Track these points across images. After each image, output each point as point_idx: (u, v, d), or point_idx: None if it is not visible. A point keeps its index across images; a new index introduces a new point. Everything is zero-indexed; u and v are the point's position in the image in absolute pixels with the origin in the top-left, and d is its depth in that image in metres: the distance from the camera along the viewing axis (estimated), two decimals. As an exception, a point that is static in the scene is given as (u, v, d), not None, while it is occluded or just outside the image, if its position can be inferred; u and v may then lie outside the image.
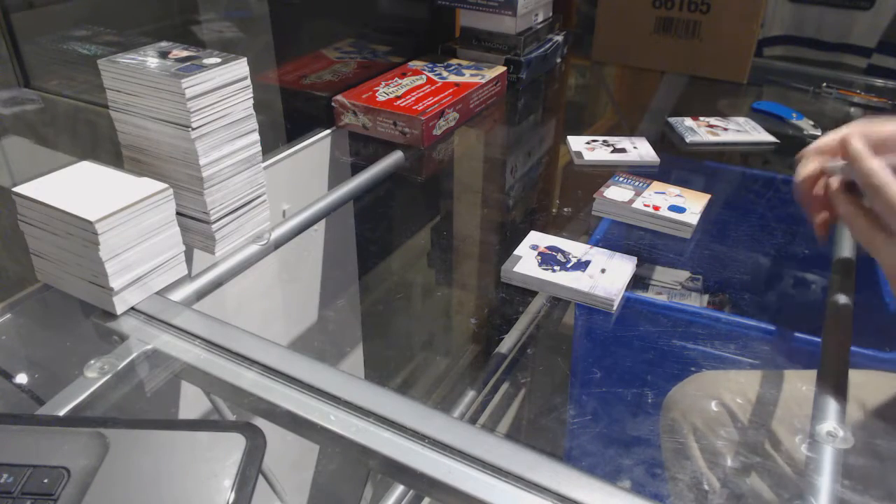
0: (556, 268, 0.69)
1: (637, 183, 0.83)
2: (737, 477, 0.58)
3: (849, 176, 0.55)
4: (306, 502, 1.02)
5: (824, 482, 0.46)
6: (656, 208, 0.79)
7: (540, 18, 1.15)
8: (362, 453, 0.45)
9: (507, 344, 0.82)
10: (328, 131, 0.95)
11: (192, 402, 0.66)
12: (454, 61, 1.09)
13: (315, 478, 1.02)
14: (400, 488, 0.70)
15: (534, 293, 0.84)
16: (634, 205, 0.77)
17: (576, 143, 0.98)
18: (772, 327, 0.81)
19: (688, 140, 0.98)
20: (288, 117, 0.92)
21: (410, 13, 1.17)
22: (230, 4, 0.86)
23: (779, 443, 0.62)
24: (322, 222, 0.91)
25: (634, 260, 0.71)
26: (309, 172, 0.93)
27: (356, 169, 0.87)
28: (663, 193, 0.81)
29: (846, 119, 1.12)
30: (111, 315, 0.56)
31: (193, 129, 0.58)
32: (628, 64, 1.27)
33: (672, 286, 1.16)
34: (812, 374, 0.57)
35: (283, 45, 0.90)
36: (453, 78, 1.01)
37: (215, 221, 0.63)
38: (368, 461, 0.45)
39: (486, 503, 0.41)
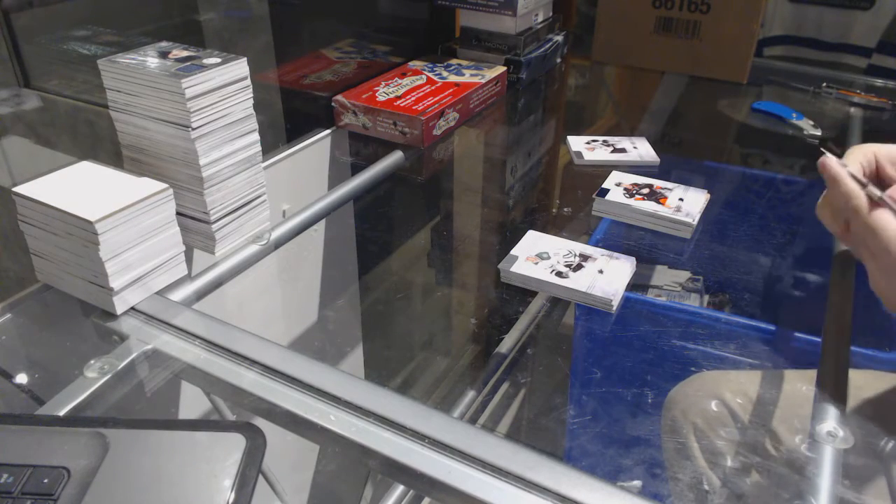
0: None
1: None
2: (737, 477, 0.58)
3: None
4: (306, 502, 1.02)
5: (824, 482, 0.46)
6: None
7: (540, 18, 1.15)
8: (362, 453, 0.45)
9: (507, 344, 0.83)
10: (328, 131, 0.95)
11: (192, 402, 0.66)
12: (454, 61, 1.09)
13: (315, 478, 1.02)
14: (400, 488, 0.70)
15: (534, 293, 0.84)
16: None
17: (576, 143, 0.98)
18: (772, 327, 0.81)
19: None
20: (288, 117, 0.92)
21: (410, 13, 1.17)
22: (230, 4, 0.86)
23: (779, 443, 0.62)
24: (322, 222, 0.91)
25: (634, 260, 0.71)
26: (309, 172, 0.93)
27: (356, 169, 0.87)
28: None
29: (846, 119, 1.12)
30: (111, 315, 0.56)
31: (193, 129, 0.58)
32: (628, 64, 1.27)
33: (672, 286, 1.16)
34: (812, 374, 0.57)
35: (283, 45, 0.90)
36: (453, 78, 1.01)
37: (215, 221, 0.63)
38: (368, 461, 0.45)
39: (486, 503, 0.41)
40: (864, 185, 0.52)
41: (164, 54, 0.60)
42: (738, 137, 1.18)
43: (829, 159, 0.54)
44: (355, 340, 1.13)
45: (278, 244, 0.70)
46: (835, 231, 0.57)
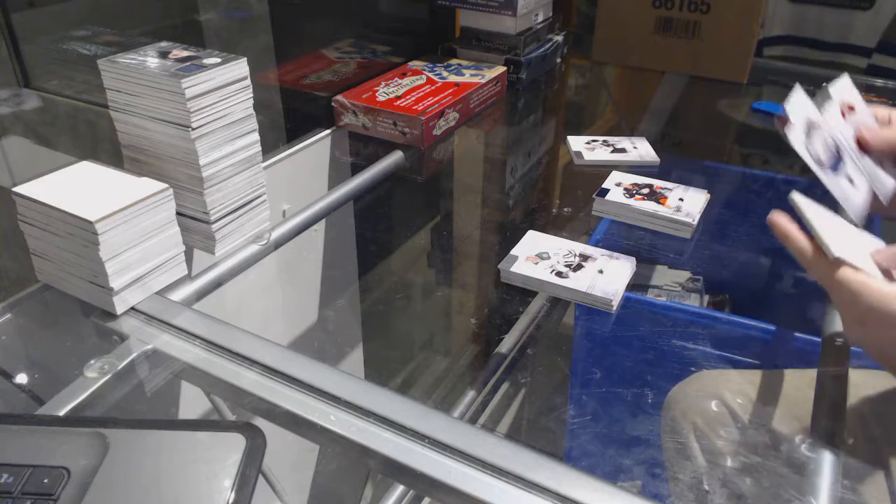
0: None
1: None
2: (737, 477, 0.58)
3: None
4: (306, 502, 1.02)
5: (824, 482, 0.46)
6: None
7: (540, 18, 1.15)
8: (362, 453, 0.45)
9: (507, 344, 0.82)
10: (328, 131, 0.95)
11: (192, 402, 0.66)
12: (454, 61, 1.09)
13: (315, 478, 1.02)
14: (400, 488, 0.70)
15: (534, 293, 0.84)
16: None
17: (576, 143, 0.98)
18: (772, 327, 0.81)
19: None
20: (288, 117, 0.92)
21: (410, 13, 1.17)
22: (230, 4, 0.86)
23: (779, 443, 0.62)
24: (322, 222, 0.91)
25: (634, 260, 0.71)
26: (309, 172, 0.93)
27: (356, 169, 0.87)
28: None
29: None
30: (111, 315, 0.56)
31: (193, 129, 0.58)
32: (628, 64, 1.27)
33: (672, 286, 1.16)
34: (812, 374, 0.57)
35: (283, 45, 0.90)
36: (453, 78, 1.01)
37: (215, 221, 0.63)
38: (368, 461, 0.45)
39: (486, 503, 0.41)
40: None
41: (164, 54, 0.60)
42: (738, 137, 1.18)
43: (776, 216, 0.53)
44: (355, 340, 1.13)
45: (278, 244, 0.70)
46: None
